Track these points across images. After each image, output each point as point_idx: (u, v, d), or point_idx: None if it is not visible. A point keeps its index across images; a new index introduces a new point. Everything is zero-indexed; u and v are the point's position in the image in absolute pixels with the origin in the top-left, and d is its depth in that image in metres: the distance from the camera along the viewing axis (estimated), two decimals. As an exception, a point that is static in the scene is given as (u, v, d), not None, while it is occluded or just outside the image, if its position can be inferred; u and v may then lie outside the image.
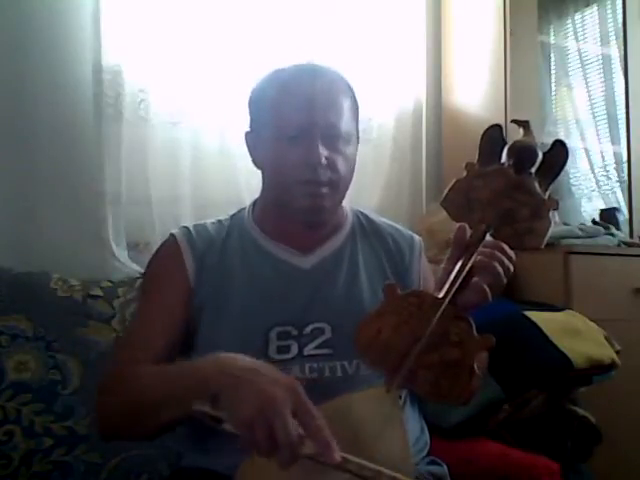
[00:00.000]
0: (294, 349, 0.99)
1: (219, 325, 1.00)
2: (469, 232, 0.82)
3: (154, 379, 0.87)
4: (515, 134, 0.91)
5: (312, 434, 0.67)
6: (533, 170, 0.84)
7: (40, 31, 1.66)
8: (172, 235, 1.07)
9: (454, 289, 0.76)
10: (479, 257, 0.81)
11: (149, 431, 0.89)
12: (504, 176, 0.82)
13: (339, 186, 1.03)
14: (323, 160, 0.98)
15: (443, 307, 0.74)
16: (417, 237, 1.17)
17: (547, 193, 0.83)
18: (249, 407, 0.68)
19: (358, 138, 1.11)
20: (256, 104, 1.08)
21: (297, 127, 0.99)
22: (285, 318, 1.00)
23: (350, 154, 1.04)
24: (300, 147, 0.99)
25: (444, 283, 0.78)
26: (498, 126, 0.89)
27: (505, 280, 0.83)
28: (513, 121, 0.91)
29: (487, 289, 0.80)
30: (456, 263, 0.80)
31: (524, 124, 0.88)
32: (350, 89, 1.07)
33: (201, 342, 1.00)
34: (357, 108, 1.08)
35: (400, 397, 0.76)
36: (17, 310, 1.34)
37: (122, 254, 1.73)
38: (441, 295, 0.76)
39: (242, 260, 1.05)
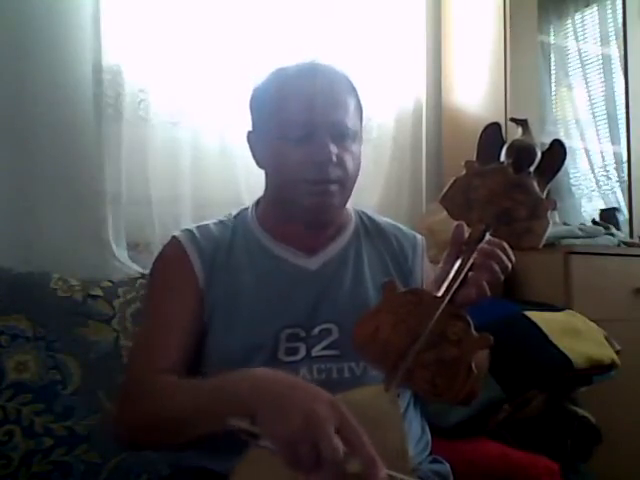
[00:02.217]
0: (302, 351, 0.99)
1: (230, 328, 0.99)
2: (467, 231, 0.82)
3: (185, 394, 0.84)
4: (515, 133, 0.91)
5: (357, 451, 0.66)
6: (532, 169, 0.84)
7: (40, 31, 1.66)
8: (175, 238, 1.05)
9: (453, 288, 0.76)
10: (478, 255, 0.81)
11: (177, 445, 0.87)
12: (503, 175, 0.82)
13: (347, 184, 1.02)
14: (334, 158, 0.98)
15: (442, 306, 0.74)
16: (420, 237, 1.17)
17: (545, 192, 0.83)
18: (292, 424, 0.66)
19: (361, 139, 1.11)
20: (259, 103, 1.06)
21: (305, 125, 0.98)
22: (294, 320, 1.00)
23: (356, 152, 1.03)
24: (309, 145, 0.98)
25: (442, 282, 0.78)
26: (497, 124, 0.88)
27: (502, 278, 0.83)
28: (511, 119, 0.91)
29: (485, 285, 0.80)
30: (454, 262, 0.80)
31: (522, 123, 0.88)
32: (354, 87, 1.06)
33: (213, 344, 1.00)
34: (361, 107, 1.08)
35: (398, 395, 0.76)
36: (17, 310, 1.33)
37: (122, 254, 1.72)
38: (440, 294, 0.76)
39: (249, 262, 1.04)
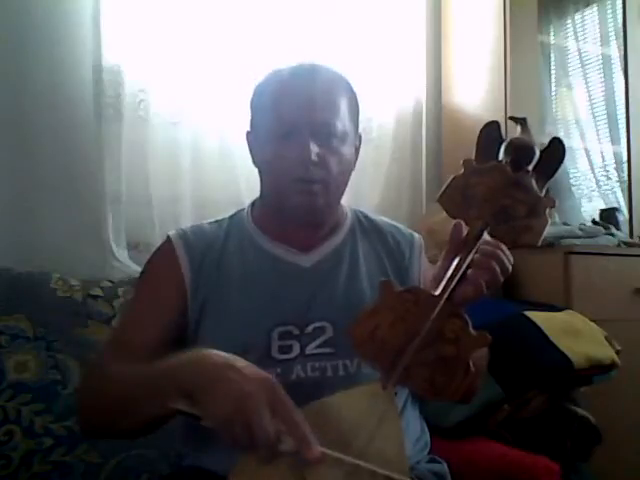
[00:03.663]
0: (296, 349, 0.99)
1: (221, 326, 0.99)
2: (465, 229, 0.82)
3: (133, 377, 0.86)
4: (515, 132, 0.91)
5: (290, 430, 0.68)
6: (530, 168, 0.84)
7: (40, 31, 1.67)
8: (168, 237, 1.07)
9: (451, 286, 0.76)
10: (477, 255, 0.81)
11: (129, 429, 0.88)
12: (501, 173, 0.82)
13: (331, 185, 1.02)
14: (314, 157, 0.97)
15: (440, 304, 0.74)
16: (417, 235, 1.17)
17: (544, 191, 0.83)
18: (226, 405, 0.68)
19: (360, 139, 1.11)
20: (255, 103, 1.08)
21: (290, 124, 0.99)
22: (287, 318, 1.00)
23: (346, 154, 1.03)
24: (293, 144, 0.99)
25: (440, 280, 0.78)
26: (495, 122, 0.88)
27: (502, 279, 0.82)
28: (510, 118, 0.91)
29: (483, 283, 0.80)
30: (452, 260, 0.80)
31: (521, 121, 0.88)
32: (349, 89, 1.07)
33: (204, 342, 0.99)
34: (357, 109, 1.08)
35: (396, 394, 0.76)
36: (17, 310, 1.34)
37: (122, 254, 1.73)
38: (437, 292, 0.76)
39: (242, 260, 1.05)
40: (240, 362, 0.74)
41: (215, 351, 0.77)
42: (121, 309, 1.42)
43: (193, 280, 1.02)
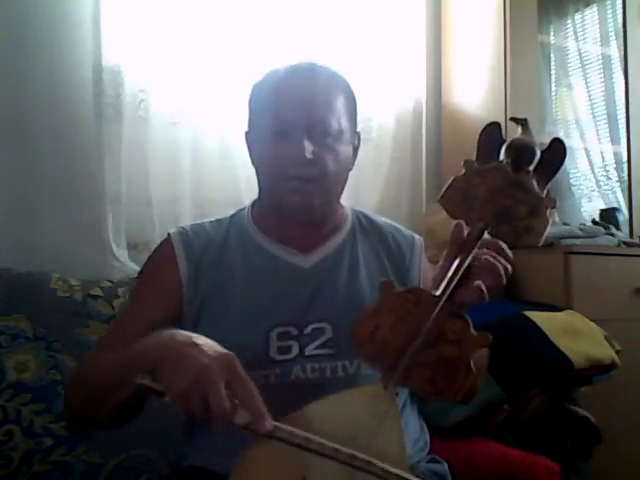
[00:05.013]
0: (295, 349, 0.98)
1: (220, 325, 0.99)
2: (466, 229, 0.82)
3: (107, 365, 0.87)
4: (515, 133, 0.91)
5: (244, 403, 0.70)
6: (531, 168, 0.84)
7: (40, 31, 1.67)
8: (168, 236, 1.07)
9: (451, 287, 0.76)
10: (482, 257, 0.81)
11: (109, 417, 0.88)
12: (502, 174, 0.82)
13: (327, 183, 1.02)
14: (308, 155, 0.97)
15: (440, 305, 0.74)
16: (418, 237, 1.17)
17: (545, 191, 0.83)
18: (184, 378, 0.70)
19: (359, 139, 1.11)
20: (252, 102, 1.08)
21: (285, 122, 0.99)
22: (286, 318, 0.99)
23: (342, 152, 1.03)
24: (288, 143, 0.99)
25: (441, 281, 0.78)
26: (496, 124, 0.89)
27: (505, 280, 0.82)
28: (511, 119, 0.91)
29: (484, 289, 0.80)
30: (453, 260, 0.80)
31: (522, 122, 0.89)
32: (346, 88, 1.06)
33: None
34: (354, 108, 1.08)
35: (397, 394, 0.76)
36: (17, 310, 1.34)
37: (122, 254, 1.73)
38: (438, 293, 0.76)
39: (242, 260, 1.05)
40: (202, 339, 0.76)
41: (181, 331, 0.79)
42: (121, 309, 1.42)
43: (190, 279, 1.02)
